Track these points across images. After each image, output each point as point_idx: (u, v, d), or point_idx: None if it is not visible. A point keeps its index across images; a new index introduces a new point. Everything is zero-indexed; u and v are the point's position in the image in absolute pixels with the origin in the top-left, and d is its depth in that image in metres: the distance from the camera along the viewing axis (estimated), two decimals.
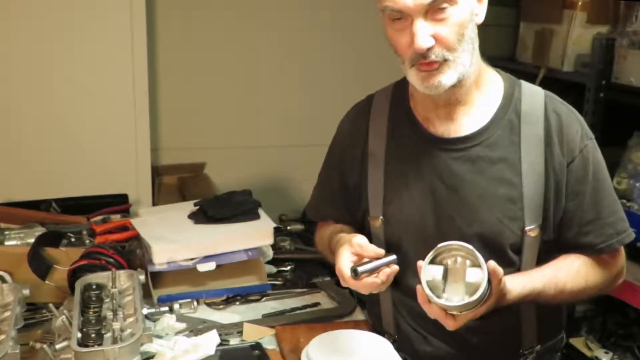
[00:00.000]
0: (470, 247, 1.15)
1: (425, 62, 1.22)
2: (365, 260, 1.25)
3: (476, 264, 1.14)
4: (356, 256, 1.26)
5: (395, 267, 1.27)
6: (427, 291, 1.14)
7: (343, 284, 1.28)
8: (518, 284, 1.23)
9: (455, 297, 1.15)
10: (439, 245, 1.16)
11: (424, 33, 1.19)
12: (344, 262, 1.25)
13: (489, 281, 1.13)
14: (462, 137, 1.33)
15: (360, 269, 1.23)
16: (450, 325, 1.16)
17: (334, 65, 2.91)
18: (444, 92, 1.28)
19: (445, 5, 1.19)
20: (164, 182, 2.73)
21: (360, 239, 1.27)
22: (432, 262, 1.17)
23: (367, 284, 1.24)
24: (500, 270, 1.14)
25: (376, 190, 1.40)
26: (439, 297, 1.15)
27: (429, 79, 1.24)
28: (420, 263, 1.16)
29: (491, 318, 1.35)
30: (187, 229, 1.84)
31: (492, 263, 1.14)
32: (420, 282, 1.16)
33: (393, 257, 1.27)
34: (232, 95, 2.85)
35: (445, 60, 1.22)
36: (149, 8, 2.46)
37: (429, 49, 1.20)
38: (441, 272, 1.15)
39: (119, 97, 2.38)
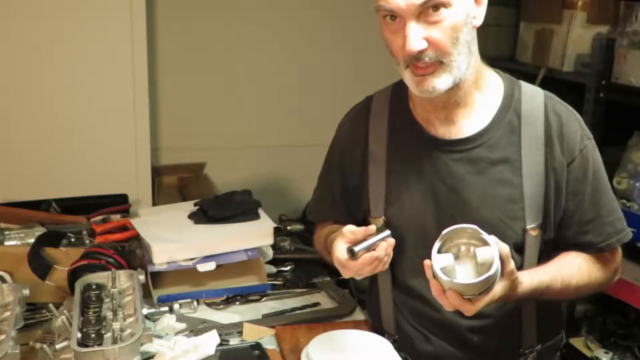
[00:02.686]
0: (474, 226, 1.15)
1: (419, 65, 1.22)
2: (360, 240, 1.25)
3: (482, 244, 1.14)
4: (350, 243, 1.26)
5: (392, 240, 1.26)
6: (443, 277, 1.12)
7: (345, 274, 1.28)
8: (527, 277, 1.24)
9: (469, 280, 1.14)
10: (444, 232, 1.16)
11: (415, 35, 1.18)
12: (340, 251, 1.26)
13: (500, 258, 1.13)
14: (463, 138, 1.33)
15: (356, 248, 1.23)
16: (469, 309, 1.15)
17: (334, 65, 2.91)
18: (441, 95, 1.28)
19: (438, 8, 1.18)
20: (164, 182, 2.73)
21: (349, 227, 1.28)
22: (439, 252, 1.16)
23: (367, 260, 1.24)
24: (505, 245, 1.14)
25: (378, 191, 1.40)
26: None
27: (423, 82, 1.24)
28: (427, 262, 1.15)
29: (492, 317, 1.35)
30: (187, 229, 1.84)
31: (496, 238, 1.14)
32: (428, 282, 1.15)
33: (387, 232, 1.27)
34: (232, 95, 2.85)
35: (440, 63, 1.22)
36: (149, 8, 2.46)
37: (421, 52, 1.20)
38: (451, 259, 1.15)
39: (119, 97, 2.38)
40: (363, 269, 1.26)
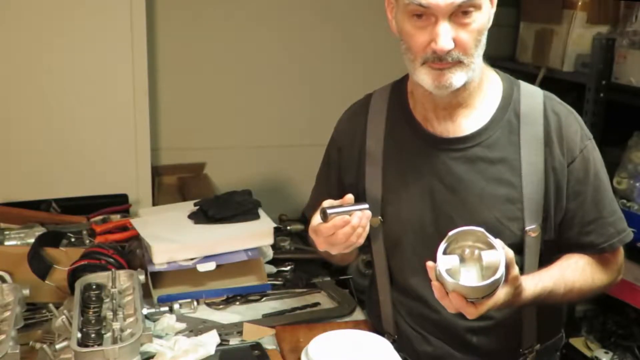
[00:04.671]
0: (481, 229, 1.14)
1: (439, 61, 1.22)
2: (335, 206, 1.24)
3: (488, 248, 1.13)
4: None
5: (368, 212, 1.25)
6: (448, 278, 1.11)
7: (319, 243, 1.27)
8: (531, 283, 1.23)
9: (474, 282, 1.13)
10: (450, 233, 1.15)
11: (447, 35, 1.18)
12: (316, 220, 1.26)
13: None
14: (461, 137, 1.33)
15: (329, 210, 1.21)
16: (471, 313, 1.14)
17: (333, 65, 2.91)
18: (447, 95, 1.28)
19: (471, 9, 1.19)
20: (164, 182, 2.72)
21: (327, 202, 1.26)
22: (444, 253, 1.15)
23: (339, 223, 1.22)
24: (510, 250, 1.13)
25: (374, 190, 1.40)
26: None
27: (441, 77, 1.23)
28: (430, 263, 1.14)
29: (492, 318, 1.35)
30: (187, 229, 1.84)
31: (502, 242, 1.13)
32: (431, 282, 1.14)
33: (365, 205, 1.25)
34: (232, 95, 2.85)
35: (459, 62, 1.22)
36: (149, 8, 2.46)
37: (447, 52, 1.20)
38: (457, 261, 1.14)
39: (119, 97, 2.38)
40: (336, 237, 1.23)
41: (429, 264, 1.14)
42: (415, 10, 1.21)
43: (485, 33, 1.25)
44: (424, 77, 1.25)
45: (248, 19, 2.79)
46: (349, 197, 1.26)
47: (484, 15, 1.22)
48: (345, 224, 1.22)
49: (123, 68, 2.36)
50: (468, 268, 1.15)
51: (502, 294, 1.15)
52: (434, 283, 1.15)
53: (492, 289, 1.13)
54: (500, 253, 1.11)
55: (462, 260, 1.15)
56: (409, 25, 1.23)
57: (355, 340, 1.39)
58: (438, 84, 1.24)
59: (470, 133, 1.32)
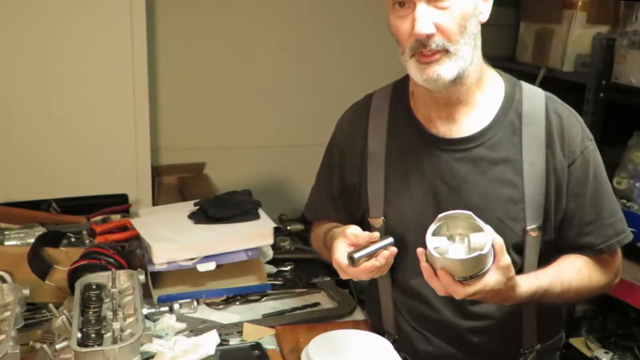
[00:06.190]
0: (469, 212, 1.15)
1: (425, 53, 1.21)
2: (361, 246, 1.25)
3: (477, 231, 1.14)
4: (352, 246, 1.26)
5: (394, 249, 1.26)
6: (435, 254, 1.12)
7: (343, 276, 1.27)
8: (526, 281, 1.24)
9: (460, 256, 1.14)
10: (440, 215, 1.16)
11: (425, 19, 1.18)
12: (341, 254, 1.25)
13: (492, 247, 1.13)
14: (464, 137, 1.33)
15: (357, 255, 1.22)
16: (459, 292, 1.14)
17: (333, 65, 2.91)
18: (444, 90, 1.27)
19: None
20: (164, 182, 2.73)
21: (353, 229, 1.27)
22: (434, 236, 1.16)
23: (367, 269, 1.23)
24: (500, 238, 1.14)
25: (377, 190, 1.40)
26: None
27: (428, 70, 1.22)
28: (419, 249, 1.15)
29: (492, 318, 1.35)
30: (187, 229, 1.84)
31: (492, 229, 1.14)
32: (420, 264, 1.16)
33: (389, 239, 1.26)
34: (232, 95, 2.85)
35: (446, 52, 1.21)
36: (149, 8, 2.46)
37: (429, 37, 1.19)
38: (445, 241, 1.15)
39: (119, 97, 2.38)
40: (361, 275, 1.26)
41: (419, 250, 1.15)
42: (396, 0, 1.21)
43: (473, 22, 1.23)
44: (413, 71, 1.26)
45: (248, 20, 2.79)
46: (375, 235, 1.26)
47: (466, 1, 1.21)
48: (373, 270, 1.24)
49: (123, 68, 2.36)
50: (457, 251, 1.16)
51: (491, 279, 1.14)
52: (423, 264, 1.15)
53: (479, 266, 1.12)
54: (487, 235, 1.12)
55: (455, 240, 1.17)
56: (393, 16, 1.24)
57: (355, 340, 1.39)
58: (426, 76, 1.23)
59: (473, 134, 1.32)
